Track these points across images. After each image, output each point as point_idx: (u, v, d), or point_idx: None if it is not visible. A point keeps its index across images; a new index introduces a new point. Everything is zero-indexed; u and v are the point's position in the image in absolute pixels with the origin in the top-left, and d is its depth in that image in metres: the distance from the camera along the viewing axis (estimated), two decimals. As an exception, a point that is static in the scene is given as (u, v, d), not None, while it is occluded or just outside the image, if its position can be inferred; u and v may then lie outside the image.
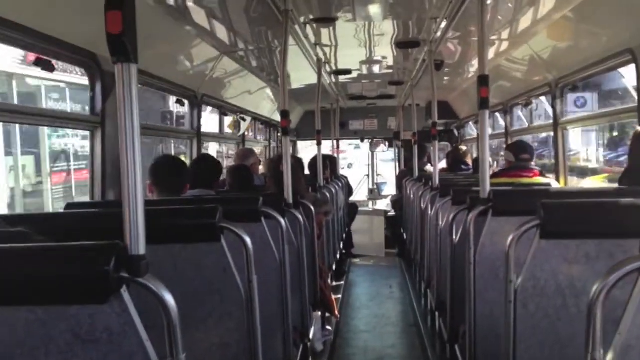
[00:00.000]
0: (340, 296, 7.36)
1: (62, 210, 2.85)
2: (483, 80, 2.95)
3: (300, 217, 3.76)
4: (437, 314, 4.78)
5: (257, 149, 9.52)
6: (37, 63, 2.98)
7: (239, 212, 2.87)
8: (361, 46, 5.93)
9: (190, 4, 3.95)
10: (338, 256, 7.92)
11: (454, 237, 3.64)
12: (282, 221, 3.16)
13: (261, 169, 6.61)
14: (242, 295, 2.41)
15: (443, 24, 4.77)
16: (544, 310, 2.17)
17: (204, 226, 2.29)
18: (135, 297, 1.43)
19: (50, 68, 3.02)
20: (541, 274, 2.13)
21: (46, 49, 3.04)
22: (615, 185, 3.10)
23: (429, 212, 5.25)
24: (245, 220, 2.80)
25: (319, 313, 4.93)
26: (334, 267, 7.23)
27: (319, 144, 6.99)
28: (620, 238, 1.98)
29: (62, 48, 3.14)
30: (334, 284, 7.65)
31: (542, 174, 4.74)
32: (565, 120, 5.31)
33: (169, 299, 1.47)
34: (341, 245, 8.53)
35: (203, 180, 4.01)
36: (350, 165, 22.43)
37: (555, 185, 4.78)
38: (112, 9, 1.41)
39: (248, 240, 2.41)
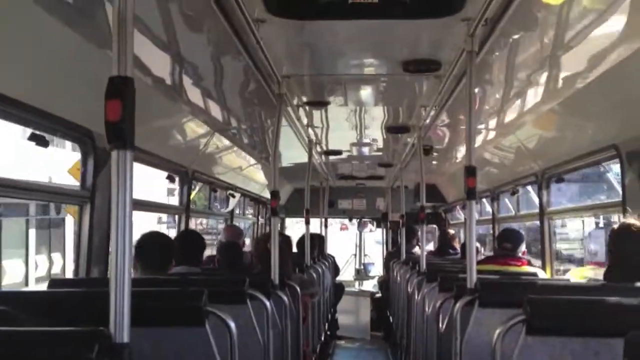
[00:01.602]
0: (323, 380, 7.19)
1: (45, 289, 2.81)
2: (470, 171, 3.00)
3: (285, 299, 3.72)
4: None
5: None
6: (32, 138, 3.01)
7: (224, 293, 2.84)
8: (352, 129, 6.04)
9: (186, 83, 4.04)
10: (323, 338, 7.79)
11: (441, 324, 3.61)
12: (268, 304, 3.12)
13: (248, 246, 6.59)
14: None
15: (432, 112, 4.88)
16: (531, 408, 2.13)
17: (189, 310, 2.26)
18: None
19: (44, 144, 3.05)
20: None
21: (41, 124, 3.07)
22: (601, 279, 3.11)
23: (416, 297, 5.21)
24: (229, 302, 2.77)
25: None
26: (318, 349, 7.09)
27: (307, 222, 6.99)
28: (605, 337, 1.97)
29: (58, 124, 3.18)
30: (318, 366, 7.48)
31: (530, 263, 4.76)
32: (551, 210, 5.37)
33: None
34: (326, 327, 8.40)
35: (188, 255, 3.99)
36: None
37: (542, 274, 4.79)
38: (112, 98, 1.44)
39: (233, 325, 2.37)
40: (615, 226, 3.10)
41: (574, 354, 2.05)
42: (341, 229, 13.57)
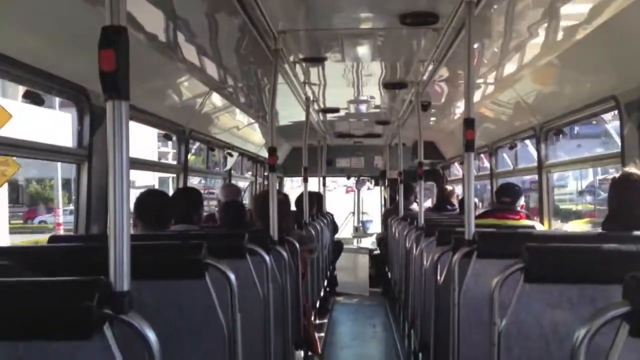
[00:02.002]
0: (323, 334, 7.30)
1: (46, 244, 2.83)
2: (469, 123, 2.99)
3: (285, 254, 3.74)
4: (420, 355, 4.75)
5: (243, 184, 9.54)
6: (27, 96, 2.99)
7: (224, 248, 2.86)
8: (349, 86, 6.00)
9: (181, 40, 3.99)
10: (322, 294, 7.88)
11: (439, 277, 3.64)
12: (267, 258, 3.14)
13: (246, 204, 6.61)
14: (225, 333, 2.39)
15: (430, 67, 4.85)
16: (528, 355, 2.17)
17: (189, 263, 2.27)
18: (117, 334, 1.41)
19: (39, 101, 3.03)
20: (525, 318, 2.14)
21: (36, 82, 3.05)
22: (599, 229, 3.13)
23: (414, 252, 5.25)
24: (229, 257, 2.78)
25: (302, 352, 4.88)
26: (317, 305, 7.19)
27: (305, 180, 7.01)
28: (602, 283, 1.99)
29: (52, 82, 3.16)
30: (317, 321, 7.59)
31: (528, 217, 4.78)
32: (549, 164, 5.38)
33: (152, 336, 1.46)
34: (325, 283, 8.49)
35: (187, 213, 4.00)
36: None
37: (539, 227, 4.82)
38: (106, 48, 1.43)
39: (233, 277, 2.39)
40: (617, 175, 3.10)
41: (571, 301, 2.07)
42: (347, 191, 13.63)
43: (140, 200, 3.74)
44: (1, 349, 1.38)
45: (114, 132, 1.46)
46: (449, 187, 8.99)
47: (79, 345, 1.37)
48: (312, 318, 5.95)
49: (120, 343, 1.40)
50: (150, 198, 3.92)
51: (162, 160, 21.80)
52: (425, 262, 4.40)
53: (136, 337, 1.45)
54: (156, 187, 14.99)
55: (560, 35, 3.80)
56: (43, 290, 1.42)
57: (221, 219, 4.87)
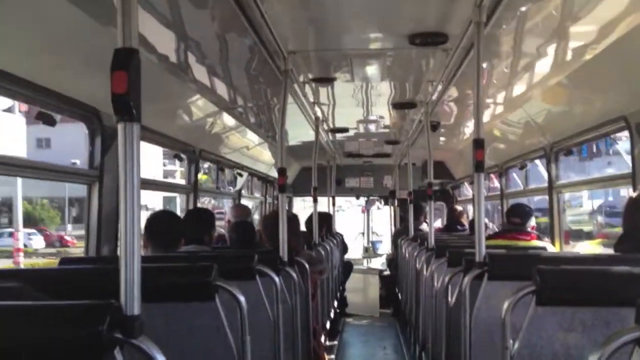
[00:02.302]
0: (333, 356, 7.24)
1: (56, 266, 2.83)
2: (478, 143, 2.98)
3: (294, 275, 3.73)
4: None
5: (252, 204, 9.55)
6: (39, 117, 3.01)
7: (233, 269, 2.85)
8: (358, 106, 6.02)
9: (192, 61, 4.02)
10: (332, 315, 7.84)
11: (450, 299, 3.61)
12: (277, 280, 3.13)
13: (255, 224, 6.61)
14: (235, 355, 2.37)
15: (439, 87, 4.85)
16: (541, 378, 2.14)
17: (199, 285, 2.27)
18: (127, 358, 1.41)
19: (51, 122, 3.05)
20: (537, 341, 2.11)
21: (49, 103, 3.07)
22: (611, 251, 3.09)
23: (424, 273, 5.22)
24: (239, 278, 2.77)
25: (312, 374, 4.84)
26: (327, 326, 7.14)
27: (315, 200, 7.00)
28: (616, 306, 1.97)
29: (65, 103, 3.18)
30: (327, 343, 7.54)
31: (539, 238, 4.75)
32: (560, 184, 5.35)
33: None
34: (335, 304, 8.45)
35: (198, 234, 4.00)
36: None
37: (550, 249, 4.78)
38: (118, 70, 1.44)
39: (243, 299, 2.38)
40: (634, 195, 3.07)
41: (584, 324, 2.05)
42: (362, 211, 13.60)
43: (150, 221, 3.74)
44: None
45: (125, 154, 1.46)
46: (459, 208, 8.96)
47: None
48: (322, 339, 5.91)
49: None
50: (160, 219, 3.93)
51: (170, 179, 21.74)
52: (436, 284, 4.37)
53: None
54: (160, 206, 14.97)
55: (569, 55, 3.80)
56: (53, 314, 1.41)
57: (230, 239, 4.87)
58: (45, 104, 3.09)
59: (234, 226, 4.94)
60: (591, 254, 3.31)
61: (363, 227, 13.26)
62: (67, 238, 31.82)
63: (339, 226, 12.59)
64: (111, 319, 1.36)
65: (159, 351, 1.44)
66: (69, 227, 34.64)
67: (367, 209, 13.10)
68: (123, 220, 1.46)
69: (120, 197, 1.47)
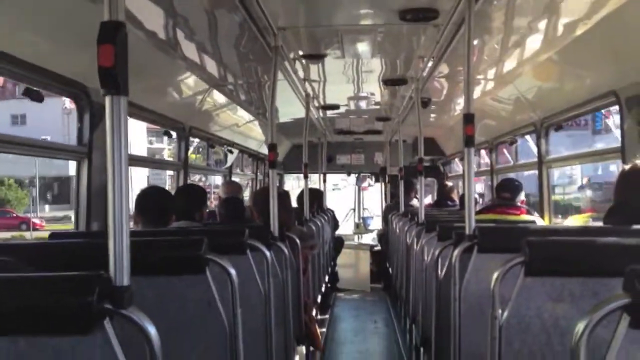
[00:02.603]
0: (324, 330, 7.31)
1: (46, 240, 2.83)
2: (468, 118, 2.99)
3: (285, 250, 3.75)
4: (422, 349, 4.76)
5: (243, 181, 9.55)
6: (26, 93, 2.99)
7: (224, 244, 2.86)
8: (349, 82, 6.00)
9: (181, 38, 3.99)
10: (323, 289, 7.89)
11: (440, 272, 3.64)
12: (268, 254, 3.15)
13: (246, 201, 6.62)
14: (226, 329, 2.39)
15: (430, 63, 4.84)
16: (529, 348, 2.17)
17: (189, 258, 2.28)
18: (117, 329, 1.42)
19: (39, 98, 3.03)
20: (526, 312, 2.14)
21: (36, 79, 3.05)
22: (600, 223, 3.12)
23: (415, 247, 5.25)
24: (230, 252, 2.78)
25: (304, 347, 4.88)
26: (319, 300, 7.20)
27: (305, 177, 7.01)
28: (604, 277, 1.99)
29: (52, 79, 3.16)
30: (319, 317, 7.60)
31: (528, 212, 4.78)
32: (549, 159, 5.37)
33: (153, 331, 1.46)
34: (326, 279, 8.50)
35: (189, 210, 3.99)
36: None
37: (540, 222, 4.82)
38: (104, 43, 1.43)
39: (233, 272, 2.39)
40: (626, 167, 3.09)
41: (572, 295, 2.07)
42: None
43: (141, 196, 3.74)
44: (2, 344, 1.38)
45: (112, 128, 1.46)
46: (449, 183, 8.99)
47: (79, 340, 1.38)
48: (314, 313, 5.96)
49: (120, 338, 1.41)
50: (151, 195, 3.92)
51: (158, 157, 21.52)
52: (426, 258, 4.40)
53: (137, 332, 1.45)
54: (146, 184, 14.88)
55: (560, 31, 3.79)
56: (43, 285, 1.42)
57: (220, 215, 4.88)
58: (33, 81, 3.07)
59: (223, 202, 4.94)
60: (580, 226, 3.34)
61: (354, 203, 13.30)
62: (36, 221, 29.40)
63: (336, 204, 12.67)
64: (100, 289, 1.36)
65: (149, 321, 1.45)
66: (47, 208, 32.76)
67: (357, 186, 13.13)
68: (111, 194, 1.47)
69: (108, 171, 1.47)
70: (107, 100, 1.45)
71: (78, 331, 1.36)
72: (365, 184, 13.24)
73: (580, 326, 1.46)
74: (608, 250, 2.07)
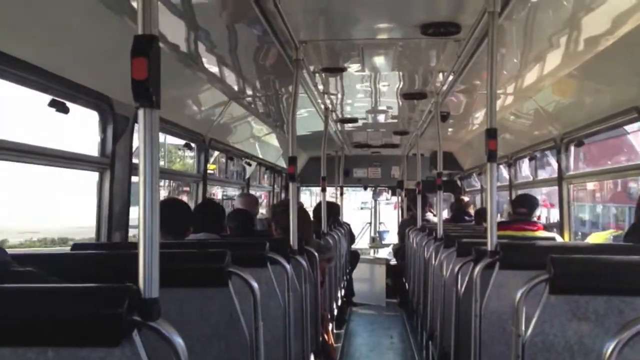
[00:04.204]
0: (340, 344, 7.27)
1: (70, 251, 2.85)
2: (491, 133, 2.98)
3: (304, 263, 3.75)
4: None
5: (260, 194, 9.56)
6: (52, 105, 3.02)
7: (245, 256, 2.87)
8: (367, 96, 6.02)
9: (202, 50, 4.02)
10: (339, 303, 7.87)
11: (459, 288, 3.62)
12: (288, 267, 3.15)
13: (263, 213, 6.62)
14: (247, 341, 2.39)
15: (450, 77, 4.84)
16: (552, 367, 2.15)
17: (213, 270, 2.28)
18: (144, 340, 1.42)
19: (64, 110, 3.07)
20: (550, 330, 2.12)
21: (61, 91, 3.08)
22: (621, 242, 3.10)
23: (433, 262, 5.23)
24: (250, 265, 2.79)
25: (320, 362, 4.87)
26: (335, 314, 7.18)
27: (323, 190, 7.01)
28: (629, 295, 1.97)
29: (77, 91, 3.19)
30: (335, 331, 7.57)
31: (545, 228, 4.75)
32: (570, 175, 5.34)
33: (180, 343, 1.47)
34: (342, 293, 8.48)
35: (209, 224, 4.01)
36: None
37: (559, 239, 4.78)
38: (138, 56, 1.45)
39: (256, 286, 2.40)
40: None
41: (597, 313, 2.05)
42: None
43: (160, 207, 3.75)
44: (31, 354, 1.39)
45: (144, 140, 1.47)
46: (466, 198, 8.96)
47: (108, 352, 1.38)
48: (330, 327, 5.94)
49: (147, 350, 1.41)
50: (170, 206, 3.95)
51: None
52: (445, 273, 4.38)
53: (164, 344, 1.45)
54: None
55: (581, 46, 3.78)
56: (73, 296, 1.43)
57: (231, 229, 4.86)
58: (58, 92, 3.10)
59: (231, 216, 4.91)
60: (602, 244, 3.31)
61: (370, 217, 13.28)
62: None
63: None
64: (130, 301, 1.37)
65: (176, 334, 1.46)
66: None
67: (374, 200, 13.12)
68: (142, 206, 1.48)
69: (139, 181, 1.48)
70: (140, 114, 1.47)
71: (107, 343, 1.37)
72: (372, 196, 13.22)
73: (609, 346, 1.44)
74: (633, 268, 2.06)
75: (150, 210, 1.47)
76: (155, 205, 1.48)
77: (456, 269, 3.66)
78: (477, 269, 2.92)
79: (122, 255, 2.20)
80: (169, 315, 1.58)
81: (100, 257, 2.49)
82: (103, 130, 3.58)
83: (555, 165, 5.48)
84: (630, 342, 1.44)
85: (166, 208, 3.80)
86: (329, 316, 5.98)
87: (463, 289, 3.54)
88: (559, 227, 5.42)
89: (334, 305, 6.99)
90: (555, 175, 5.50)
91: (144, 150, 1.46)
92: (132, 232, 3.61)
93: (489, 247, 2.91)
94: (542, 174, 6.41)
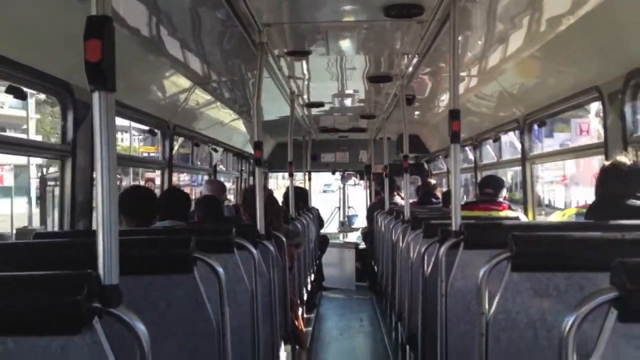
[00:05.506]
0: (310, 329, 7.31)
1: (31, 240, 2.80)
2: (454, 114, 3.00)
3: (272, 248, 3.74)
4: (407, 347, 4.77)
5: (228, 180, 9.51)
6: (9, 91, 2.96)
7: (211, 242, 2.85)
8: (333, 79, 6.00)
9: (164, 35, 3.96)
10: (309, 288, 7.89)
11: (426, 269, 3.65)
12: (255, 252, 3.14)
13: (230, 199, 6.58)
14: (214, 328, 2.38)
15: (414, 60, 4.85)
16: (516, 344, 2.18)
17: (177, 257, 2.26)
18: (106, 328, 1.40)
19: (22, 96, 3.00)
20: (512, 307, 2.14)
21: (19, 77, 3.01)
22: (582, 219, 3.14)
23: (400, 245, 5.27)
24: (217, 251, 2.77)
25: (289, 346, 4.88)
26: (304, 299, 7.19)
27: (291, 175, 7.00)
28: (590, 271, 2.00)
29: (36, 77, 3.12)
30: (305, 316, 7.59)
31: (510, 208, 4.82)
32: (532, 155, 5.41)
33: (142, 330, 1.45)
34: (312, 278, 8.50)
35: (174, 211, 3.97)
36: None
37: (523, 218, 4.85)
38: (91, 38, 1.41)
39: (221, 271, 2.38)
40: (606, 163, 3.11)
41: (558, 290, 2.08)
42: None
43: (124, 195, 3.72)
44: None
45: (100, 124, 1.44)
46: (433, 181, 9.03)
47: (68, 340, 1.36)
48: (300, 312, 5.96)
49: (109, 337, 1.39)
50: (135, 193, 3.91)
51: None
52: (412, 255, 4.41)
53: (126, 331, 1.43)
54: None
55: (543, 27, 3.82)
56: (31, 284, 1.40)
57: (198, 217, 4.83)
58: (15, 78, 3.03)
59: (198, 203, 4.86)
60: (563, 222, 3.36)
61: (339, 201, 13.32)
62: None
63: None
64: (89, 288, 1.35)
65: (139, 320, 1.44)
66: None
67: (342, 184, 13.16)
68: (100, 192, 1.45)
69: (96, 168, 1.45)
70: (95, 97, 1.44)
71: (67, 331, 1.35)
72: (340, 180, 13.25)
73: (567, 321, 1.46)
74: (594, 244, 2.09)
75: (108, 196, 1.44)
76: (114, 190, 1.45)
77: (422, 250, 3.69)
78: (442, 249, 2.95)
79: (84, 244, 2.16)
80: (134, 303, 1.56)
81: (61, 246, 2.45)
82: (63, 116, 3.51)
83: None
84: (590, 317, 1.46)
85: (130, 195, 3.78)
86: (299, 301, 5.99)
87: (429, 270, 3.57)
88: (523, 206, 5.49)
89: (304, 290, 7.01)
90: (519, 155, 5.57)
91: (99, 135, 1.43)
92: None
93: (453, 228, 2.94)
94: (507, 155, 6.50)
